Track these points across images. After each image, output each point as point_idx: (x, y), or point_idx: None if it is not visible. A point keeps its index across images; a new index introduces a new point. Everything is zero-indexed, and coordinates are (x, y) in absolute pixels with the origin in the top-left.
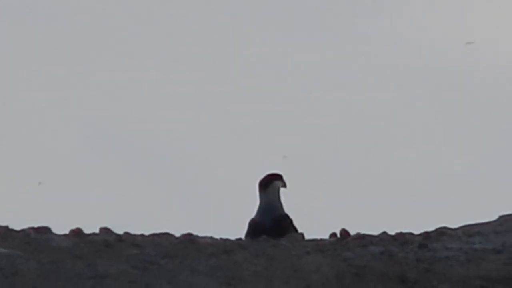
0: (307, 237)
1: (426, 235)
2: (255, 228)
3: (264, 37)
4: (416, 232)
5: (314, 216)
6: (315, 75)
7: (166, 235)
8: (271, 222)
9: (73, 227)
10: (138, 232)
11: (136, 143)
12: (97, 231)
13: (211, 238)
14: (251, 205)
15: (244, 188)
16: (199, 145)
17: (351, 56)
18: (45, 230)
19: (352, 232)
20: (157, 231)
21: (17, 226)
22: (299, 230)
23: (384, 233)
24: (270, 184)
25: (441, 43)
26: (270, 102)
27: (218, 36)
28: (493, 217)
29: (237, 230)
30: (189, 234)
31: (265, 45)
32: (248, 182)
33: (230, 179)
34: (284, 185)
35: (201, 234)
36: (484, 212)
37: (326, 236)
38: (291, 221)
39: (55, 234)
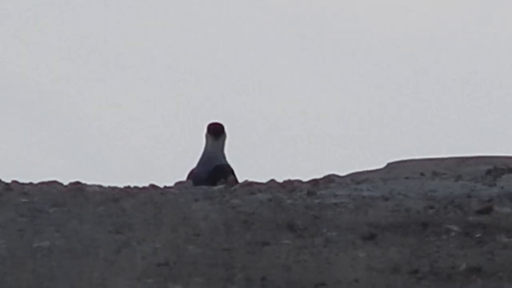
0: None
1: (314, 182)
2: (193, 181)
3: None
4: (305, 179)
5: None
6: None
7: (55, 183)
8: (209, 172)
9: None
10: (26, 181)
11: (21, 89)
12: None
13: (99, 186)
14: (138, 153)
15: (132, 135)
16: (87, 92)
17: None
18: None
19: (240, 180)
20: (46, 180)
21: None
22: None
23: (272, 180)
24: (222, 133)
25: None
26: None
27: None
28: (381, 164)
29: (125, 177)
30: (77, 182)
31: None
32: (136, 130)
33: (117, 126)
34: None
35: (89, 182)
36: (372, 160)
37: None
38: (232, 170)
39: None
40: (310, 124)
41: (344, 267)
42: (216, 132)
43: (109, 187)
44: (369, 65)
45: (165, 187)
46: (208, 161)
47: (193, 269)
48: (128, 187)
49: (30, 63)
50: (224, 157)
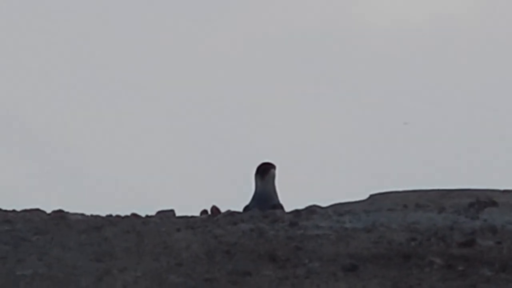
0: (177, 214)
1: (296, 213)
2: None
3: None
4: (287, 210)
5: (184, 194)
6: None
7: (37, 211)
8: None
9: None
10: (10, 208)
11: (5, 116)
12: None
13: (82, 214)
14: (122, 183)
15: (117, 164)
16: (70, 121)
17: None
18: None
19: (223, 210)
20: (29, 207)
21: None
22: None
23: (255, 210)
24: (268, 172)
25: None
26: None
27: None
28: (364, 196)
29: (107, 206)
30: (60, 211)
31: None
32: (117, 160)
33: (100, 156)
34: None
35: (72, 211)
36: (355, 191)
37: (197, 213)
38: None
39: None
40: (293, 155)
41: None
42: (259, 172)
43: (92, 215)
44: (351, 96)
45: (147, 216)
46: (263, 200)
47: None
48: (110, 215)
49: (13, 93)
50: (276, 195)
